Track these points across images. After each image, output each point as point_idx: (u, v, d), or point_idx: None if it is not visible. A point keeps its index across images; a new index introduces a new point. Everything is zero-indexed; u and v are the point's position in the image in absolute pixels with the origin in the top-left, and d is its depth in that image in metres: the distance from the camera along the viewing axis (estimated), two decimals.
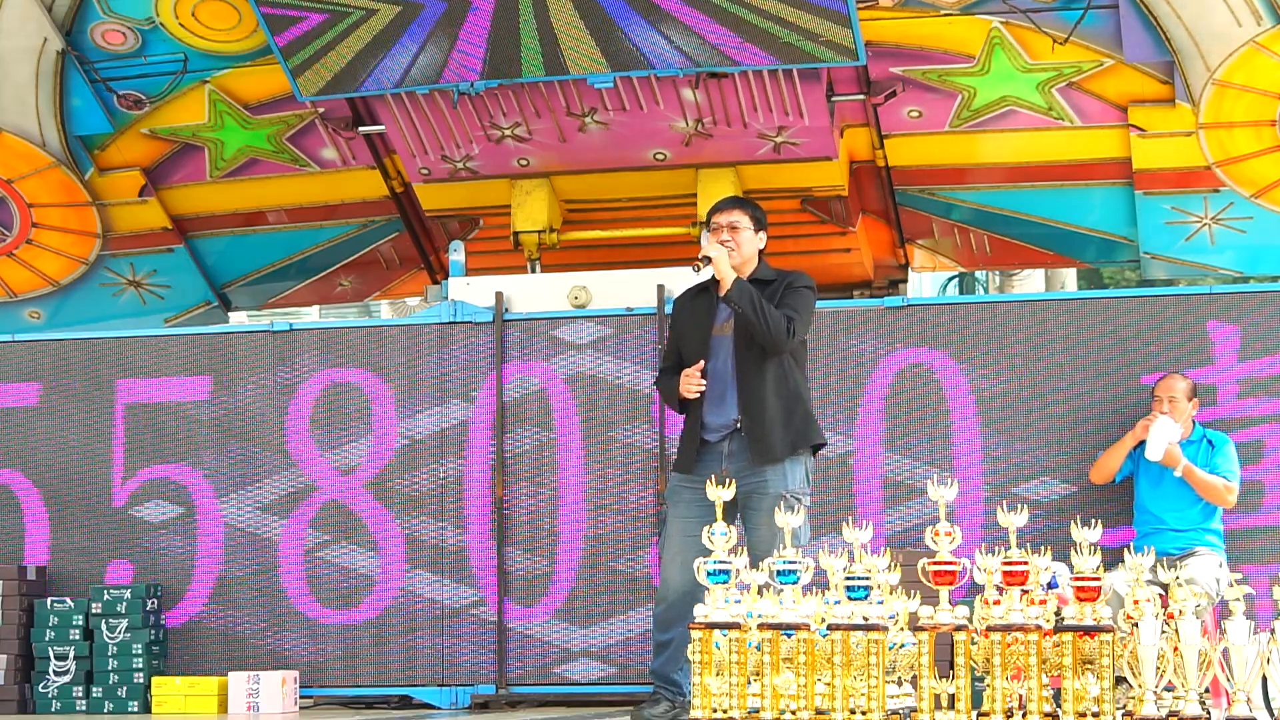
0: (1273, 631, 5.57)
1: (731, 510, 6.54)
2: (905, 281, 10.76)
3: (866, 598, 5.61)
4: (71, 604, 8.46)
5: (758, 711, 5.57)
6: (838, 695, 5.55)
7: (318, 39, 8.88)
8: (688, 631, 5.68)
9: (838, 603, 5.62)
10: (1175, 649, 5.54)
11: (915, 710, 5.60)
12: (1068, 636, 5.55)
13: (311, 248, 10.72)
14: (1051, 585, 5.88)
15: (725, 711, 5.58)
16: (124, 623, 8.41)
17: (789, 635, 5.57)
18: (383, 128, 9.69)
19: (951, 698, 5.57)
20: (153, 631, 8.45)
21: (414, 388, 8.64)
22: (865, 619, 5.57)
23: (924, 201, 10.12)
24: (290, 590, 8.58)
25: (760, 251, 6.88)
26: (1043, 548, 5.81)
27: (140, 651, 8.39)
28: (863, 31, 8.64)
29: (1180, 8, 8.60)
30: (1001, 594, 5.65)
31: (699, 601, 5.75)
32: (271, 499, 8.65)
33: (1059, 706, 5.56)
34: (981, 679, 5.60)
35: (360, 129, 9.84)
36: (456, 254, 9.13)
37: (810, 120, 9.21)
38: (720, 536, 5.73)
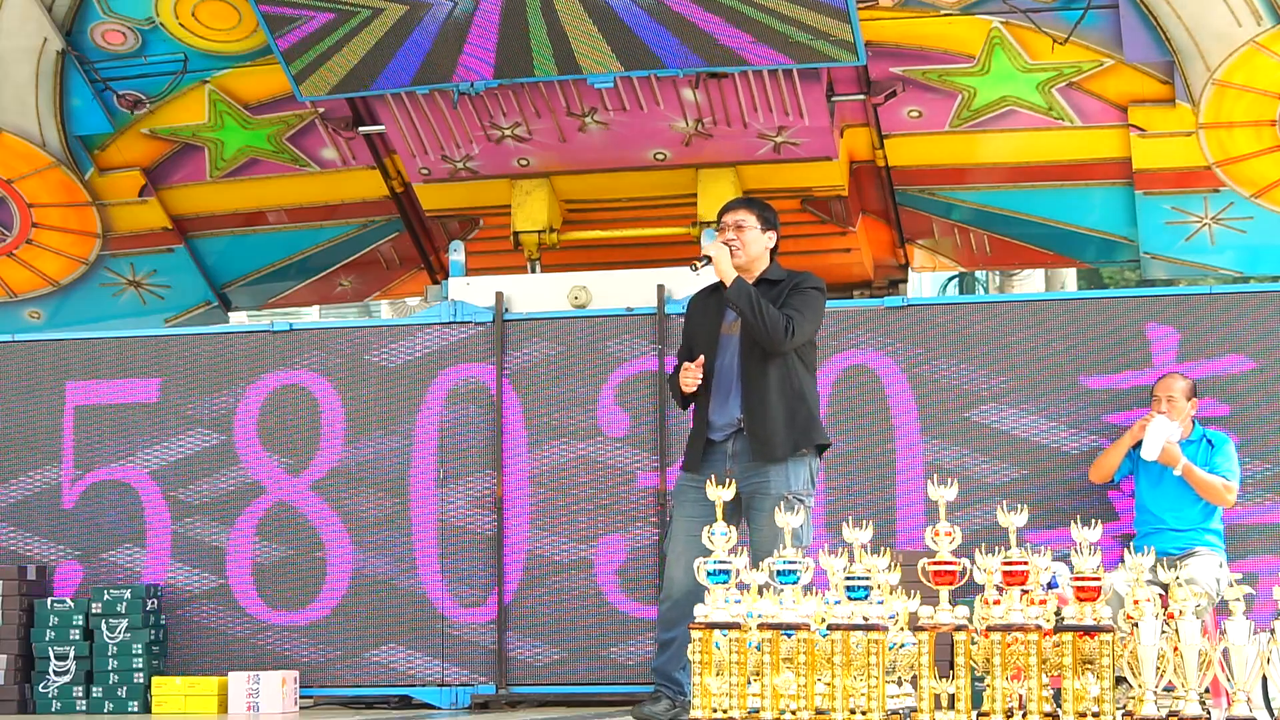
0: (1272, 631, 5.57)
1: (737, 510, 6.55)
2: (905, 281, 10.76)
3: (866, 598, 5.61)
4: (71, 604, 8.47)
5: (758, 711, 5.57)
6: (838, 695, 5.55)
7: (322, 41, 8.88)
8: (689, 629, 5.68)
9: (838, 603, 5.62)
10: (1175, 649, 5.54)
11: (915, 710, 5.60)
12: (1068, 636, 5.55)
13: (311, 248, 10.71)
14: (1051, 585, 5.88)
15: (725, 711, 5.58)
16: (124, 623, 8.41)
17: (789, 635, 5.57)
18: (383, 128, 9.69)
19: (951, 698, 5.57)
20: (153, 631, 8.45)
21: (414, 388, 8.64)
22: (865, 619, 5.57)
23: (924, 201, 10.12)
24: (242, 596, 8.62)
25: (772, 251, 6.88)
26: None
27: (140, 651, 8.39)
28: (863, 31, 8.64)
29: (1180, 8, 8.60)
30: (1001, 594, 5.65)
31: (702, 600, 5.75)
32: (219, 496, 8.71)
33: (1059, 706, 5.56)
34: (981, 679, 5.60)
35: (360, 129, 9.83)
36: (456, 254, 9.13)
37: (810, 120, 9.21)
38: (720, 536, 5.73)
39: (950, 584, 5.66)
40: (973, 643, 5.60)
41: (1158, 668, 5.53)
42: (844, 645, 5.56)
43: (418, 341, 8.69)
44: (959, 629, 5.58)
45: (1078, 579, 5.59)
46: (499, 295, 8.69)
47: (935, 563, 5.67)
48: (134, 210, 10.25)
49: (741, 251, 6.78)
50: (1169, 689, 5.58)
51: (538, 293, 8.87)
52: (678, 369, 6.93)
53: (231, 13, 9.23)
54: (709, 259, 6.75)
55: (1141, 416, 7.76)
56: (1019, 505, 5.88)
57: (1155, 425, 7.63)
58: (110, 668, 8.41)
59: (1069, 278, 18.09)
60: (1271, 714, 6.16)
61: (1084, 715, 5.49)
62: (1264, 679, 5.75)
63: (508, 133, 9.43)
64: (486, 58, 8.86)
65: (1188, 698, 5.52)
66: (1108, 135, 9.47)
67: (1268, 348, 8.06)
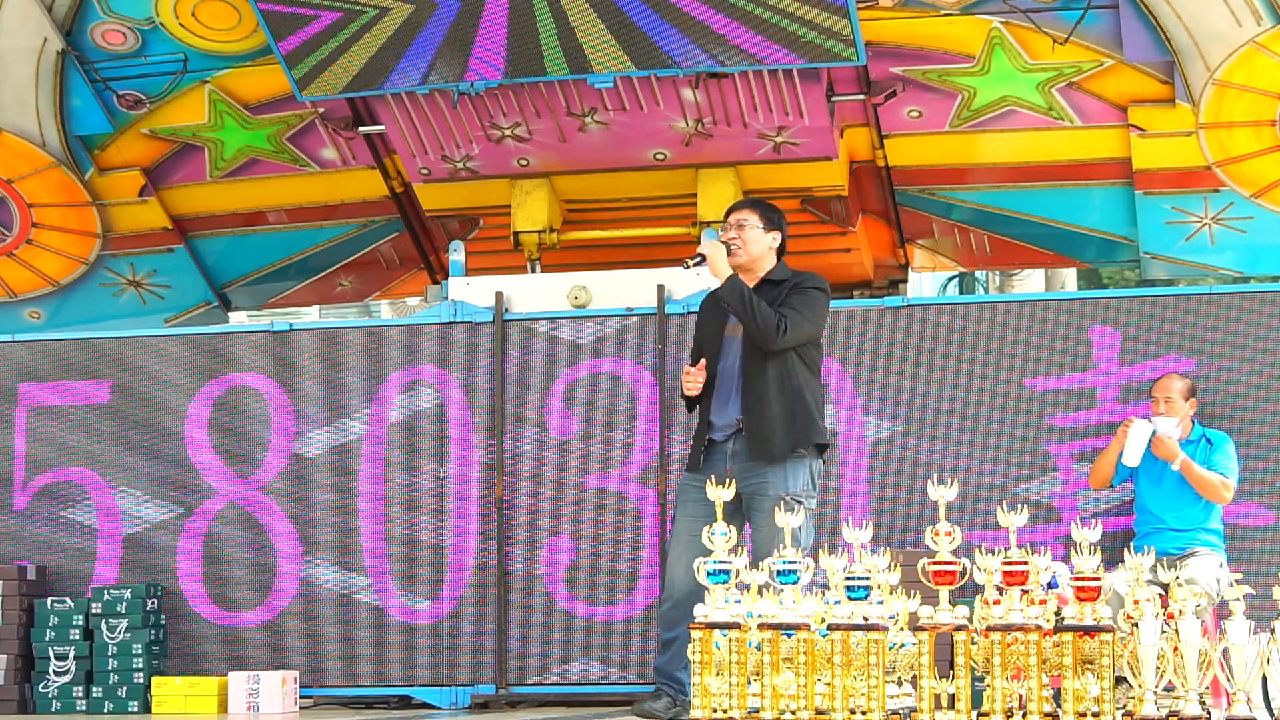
0: (1273, 631, 5.57)
1: (738, 510, 6.55)
2: (905, 281, 10.76)
3: (866, 598, 5.61)
4: (71, 604, 8.47)
5: (758, 711, 5.57)
6: (838, 695, 5.55)
7: (326, 43, 8.87)
8: (689, 629, 5.68)
9: (838, 603, 5.62)
10: (1175, 649, 5.54)
11: (915, 710, 5.60)
12: (1068, 636, 5.55)
13: (311, 248, 10.71)
14: (1051, 585, 5.88)
15: (725, 711, 5.58)
16: (124, 623, 8.41)
17: (789, 635, 5.57)
18: (383, 128, 9.69)
19: (951, 698, 5.57)
20: (153, 631, 8.45)
21: (415, 387, 8.64)
22: (865, 619, 5.57)
23: (924, 201, 10.12)
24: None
25: (778, 252, 6.88)
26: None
27: (140, 651, 8.39)
28: (863, 31, 8.64)
29: (1180, 8, 8.60)
30: (1001, 594, 5.65)
31: (703, 600, 5.75)
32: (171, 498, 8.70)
33: (1059, 706, 5.56)
34: (981, 679, 5.60)
35: (360, 129, 9.83)
36: (456, 254, 9.13)
37: (810, 120, 9.21)
38: (720, 536, 5.73)
39: (950, 584, 5.65)
40: (973, 643, 5.60)
41: (1158, 668, 5.53)
42: (844, 645, 5.56)
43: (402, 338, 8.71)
44: (959, 629, 5.59)
45: (1078, 579, 5.59)
46: (499, 295, 8.69)
47: (935, 563, 5.67)
48: (134, 210, 10.25)
49: (742, 251, 6.79)
50: (1169, 689, 5.58)
51: (538, 293, 8.87)
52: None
53: (231, 13, 9.23)
54: (703, 257, 6.76)
55: (1126, 420, 7.78)
56: (1019, 505, 5.88)
57: (1136, 430, 7.65)
58: (110, 668, 8.41)
59: (1069, 278, 18.08)
60: (1271, 714, 6.16)
61: (1084, 715, 5.49)
62: (1264, 679, 5.75)
63: (508, 133, 9.43)
64: (497, 57, 8.85)
65: (1188, 698, 5.52)
66: (1108, 135, 9.47)
67: (1202, 346, 8.10)
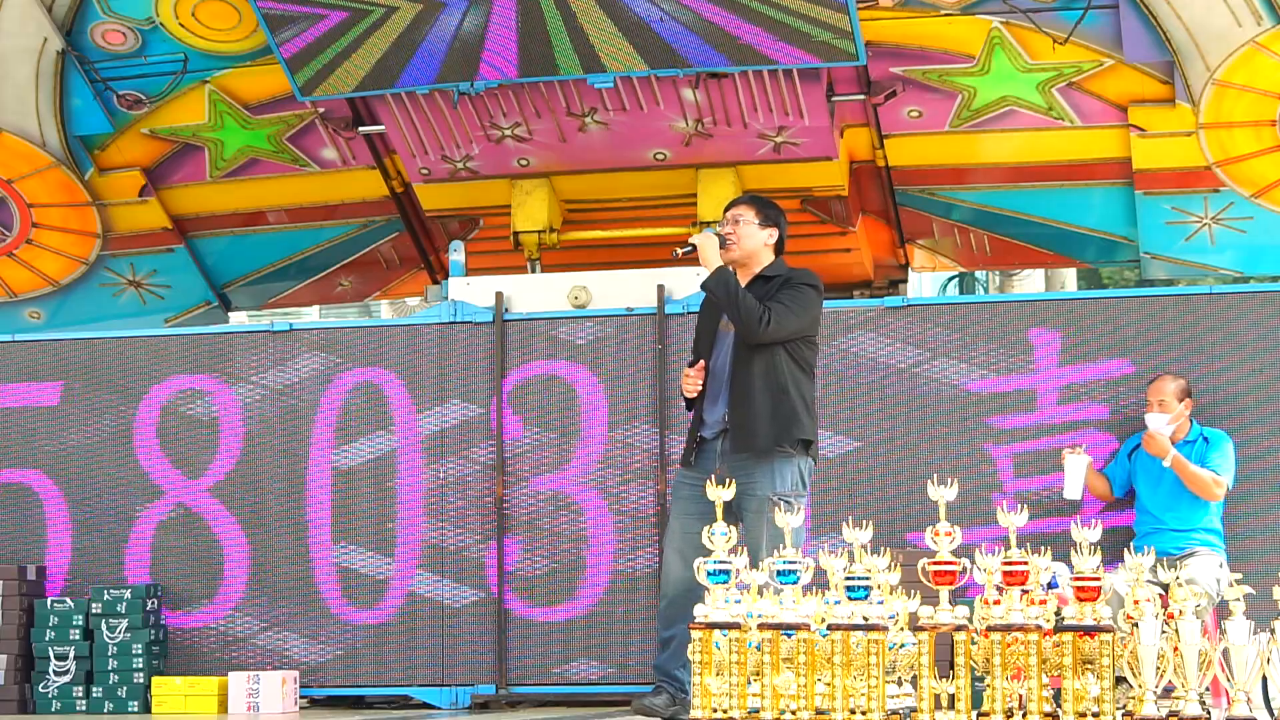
0: (1273, 631, 5.57)
1: (729, 509, 6.54)
2: (905, 281, 10.76)
3: (866, 598, 5.61)
4: (71, 604, 8.47)
5: (758, 711, 5.57)
6: (838, 695, 5.55)
7: (331, 45, 8.87)
8: (689, 629, 5.68)
9: (838, 603, 5.62)
10: (1175, 649, 5.54)
11: (915, 710, 5.60)
12: (1068, 636, 5.55)
13: (311, 248, 10.72)
14: (1051, 585, 5.88)
15: (725, 711, 5.58)
16: (124, 623, 8.41)
17: (789, 635, 5.57)
18: (383, 128, 9.69)
19: (951, 698, 5.57)
20: (153, 631, 8.45)
21: (415, 387, 8.64)
22: (865, 619, 5.57)
23: (924, 201, 10.12)
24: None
25: (775, 249, 6.87)
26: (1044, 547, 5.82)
27: (140, 651, 8.39)
28: (863, 31, 8.64)
29: (1180, 8, 8.60)
30: (1001, 594, 5.65)
31: (698, 597, 5.75)
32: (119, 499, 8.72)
33: (1059, 706, 5.56)
34: (981, 679, 5.60)
35: (360, 129, 9.84)
36: (456, 254, 9.13)
37: (810, 120, 9.21)
38: (720, 536, 5.73)
39: (950, 584, 5.65)
40: (973, 643, 5.60)
41: (1158, 668, 5.53)
42: (844, 645, 5.56)
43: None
44: (959, 629, 5.59)
45: (1078, 579, 5.59)
46: (499, 295, 8.69)
47: (935, 563, 5.67)
48: (134, 210, 10.25)
49: (736, 245, 6.79)
50: (1169, 689, 5.57)
51: (538, 293, 8.87)
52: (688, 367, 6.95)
53: (231, 13, 9.23)
54: (694, 246, 6.76)
55: (1067, 446, 7.81)
56: (1020, 505, 5.89)
57: (1070, 464, 7.64)
58: (110, 668, 8.41)
59: (1069, 278, 18.09)
60: (1271, 714, 6.16)
61: (1084, 715, 5.49)
62: (1264, 679, 5.75)
63: (508, 133, 9.43)
64: (509, 56, 8.85)
65: (1188, 698, 5.52)
66: (1108, 135, 9.47)
67: (1147, 351, 8.11)
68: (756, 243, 6.83)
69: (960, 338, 8.25)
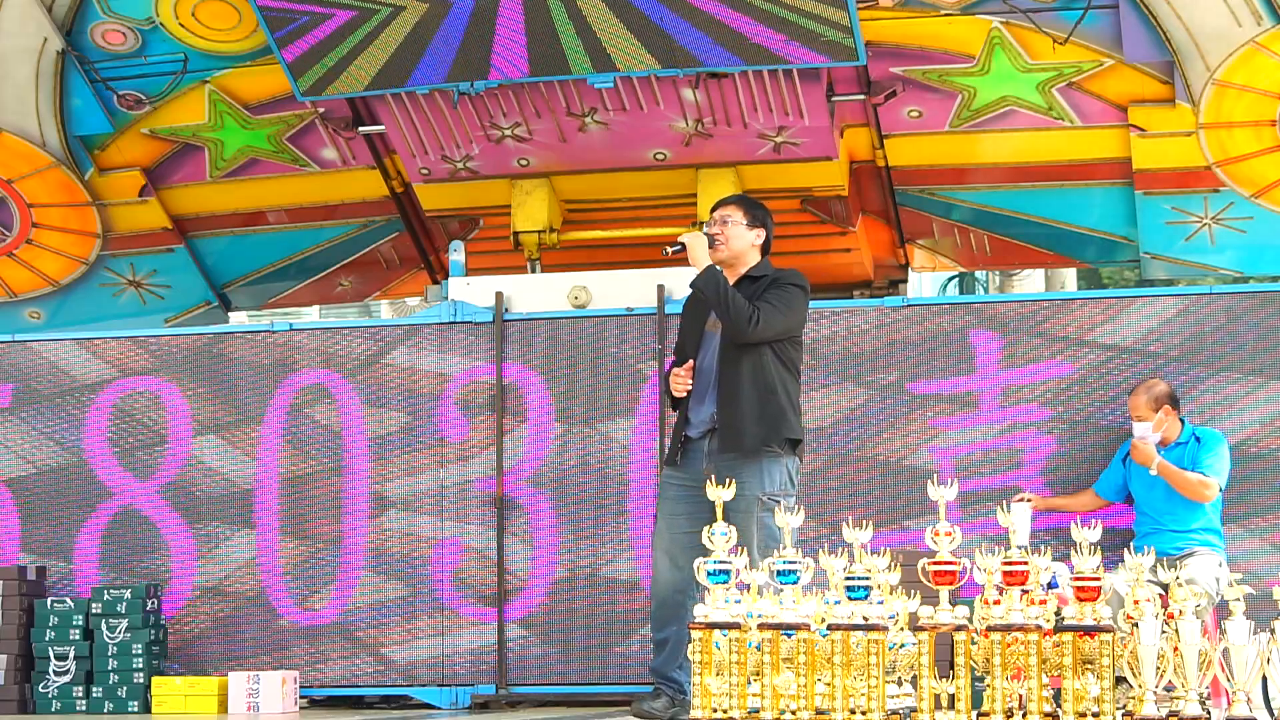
0: (1273, 631, 5.58)
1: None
2: (905, 281, 10.76)
3: (866, 598, 5.61)
4: (71, 604, 8.47)
5: (758, 711, 5.57)
6: (838, 695, 5.55)
7: (336, 47, 8.86)
8: (684, 629, 5.67)
9: (837, 603, 5.62)
10: (1175, 649, 5.54)
11: (915, 710, 5.60)
12: (1068, 636, 5.55)
13: (311, 248, 10.72)
14: (1051, 585, 5.88)
15: (725, 711, 5.58)
16: (124, 623, 8.41)
17: (789, 635, 5.57)
18: (383, 128, 9.69)
19: (951, 698, 5.57)
20: (153, 631, 8.45)
21: (416, 387, 8.65)
22: (865, 619, 5.57)
23: (924, 201, 10.12)
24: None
25: (762, 249, 6.87)
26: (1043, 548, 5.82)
27: (140, 651, 8.39)
28: (863, 31, 8.64)
29: (1180, 8, 8.60)
30: (1001, 594, 5.65)
31: (689, 596, 5.74)
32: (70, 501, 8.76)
33: (1059, 706, 5.56)
34: (981, 679, 5.60)
35: (360, 129, 9.84)
36: (456, 254, 9.13)
37: (810, 120, 9.22)
38: (720, 536, 5.73)
39: (950, 584, 5.65)
40: (973, 643, 5.60)
41: (1158, 668, 5.53)
42: (844, 645, 5.56)
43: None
44: (959, 629, 5.58)
45: (1078, 579, 5.59)
46: (499, 295, 8.69)
47: (935, 563, 5.67)
48: (134, 210, 10.26)
49: (724, 246, 6.79)
50: (1169, 689, 5.57)
51: (538, 293, 8.87)
52: (672, 367, 6.93)
53: (231, 13, 9.24)
54: (683, 245, 6.76)
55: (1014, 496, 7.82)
56: (1020, 503, 5.88)
57: (1015, 512, 7.55)
58: (110, 668, 8.41)
59: (1069, 278, 18.09)
60: (1271, 714, 6.16)
61: (1084, 715, 5.49)
62: (1264, 679, 5.75)
63: (508, 133, 9.43)
64: (519, 55, 8.85)
65: (1188, 698, 5.51)
66: (1108, 135, 9.47)
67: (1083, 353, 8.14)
68: (744, 243, 6.83)
69: (905, 338, 8.26)
